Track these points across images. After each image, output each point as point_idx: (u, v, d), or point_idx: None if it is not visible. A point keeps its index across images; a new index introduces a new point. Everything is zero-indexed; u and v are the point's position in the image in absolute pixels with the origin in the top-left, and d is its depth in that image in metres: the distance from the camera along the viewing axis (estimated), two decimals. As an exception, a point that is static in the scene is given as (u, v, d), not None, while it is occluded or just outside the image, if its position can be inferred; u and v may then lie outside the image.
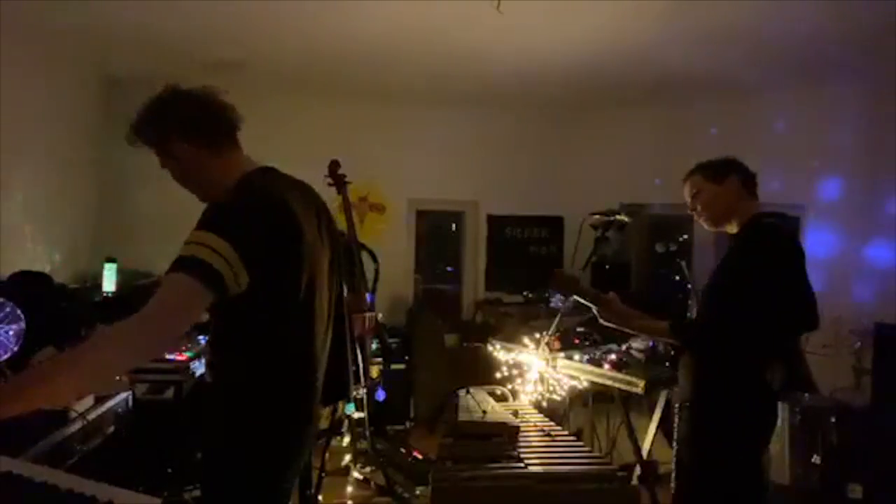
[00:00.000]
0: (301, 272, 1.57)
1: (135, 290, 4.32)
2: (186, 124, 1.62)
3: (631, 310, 2.46)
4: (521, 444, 2.59)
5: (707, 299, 2.26)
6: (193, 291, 1.36)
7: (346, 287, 2.01)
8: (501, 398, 3.24)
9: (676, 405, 2.37)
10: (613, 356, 3.14)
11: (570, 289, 2.60)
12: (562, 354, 3.22)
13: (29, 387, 1.33)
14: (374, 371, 3.93)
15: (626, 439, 3.23)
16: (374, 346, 4.01)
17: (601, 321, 2.50)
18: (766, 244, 2.12)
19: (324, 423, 3.69)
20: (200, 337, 3.59)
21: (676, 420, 2.35)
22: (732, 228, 2.31)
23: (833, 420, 3.50)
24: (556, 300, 3.95)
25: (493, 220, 6.18)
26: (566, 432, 2.87)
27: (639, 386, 2.88)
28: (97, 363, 1.34)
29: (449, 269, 6.53)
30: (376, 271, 4.39)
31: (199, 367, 3.23)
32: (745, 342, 2.10)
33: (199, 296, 1.37)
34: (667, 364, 3.09)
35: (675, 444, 2.35)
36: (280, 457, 1.62)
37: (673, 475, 2.37)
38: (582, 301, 2.54)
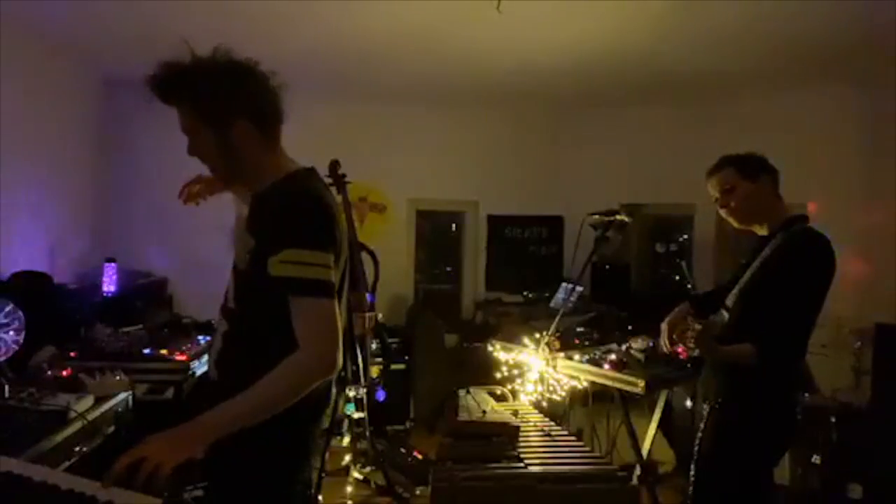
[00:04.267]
0: (341, 272, 1.62)
1: (135, 290, 4.33)
2: (259, 107, 1.58)
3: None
4: (521, 444, 2.60)
5: (752, 305, 2.21)
6: (333, 312, 1.50)
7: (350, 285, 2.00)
8: (501, 398, 3.24)
9: (705, 404, 2.34)
10: (613, 356, 3.13)
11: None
12: (562, 354, 3.22)
13: (228, 416, 1.45)
14: (374, 371, 3.93)
15: (626, 439, 3.23)
16: (374, 346, 4.01)
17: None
18: (814, 253, 2.13)
19: (324, 423, 3.69)
20: (200, 337, 3.59)
21: (703, 420, 2.31)
22: (762, 230, 2.28)
23: (833, 420, 3.50)
24: (558, 300, 3.94)
25: (493, 220, 6.18)
26: (566, 432, 2.87)
27: (639, 386, 2.88)
28: (280, 394, 1.46)
29: (449, 269, 6.53)
30: (376, 271, 4.39)
31: (199, 367, 3.23)
32: (791, 346, 2.13)
33: (336, 310, 1.51)
34: (667, 364, 3.09)
35: (697, 441, 2.31)
36: (302, 446, 1.67)
37: (692, 471, 2.33)
38: None
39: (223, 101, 1.52)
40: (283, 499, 1.63)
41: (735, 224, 2.32)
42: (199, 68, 1.52)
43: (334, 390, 1.80)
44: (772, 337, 2.11)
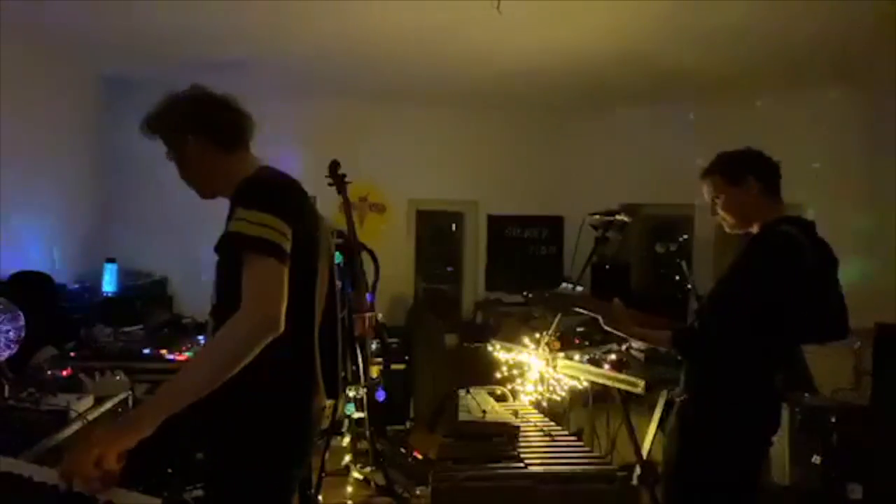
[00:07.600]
0: (312, 256, 1.65)
1: (135, 290, 4.33)
2: (206, 124, 1.70)
3: (634, 315, 2.39)
4: (521, 444, 2.60)
5: (709, 306, 2.16)
6: (278, 272, 1.49)
7: (350, 287, 1.98)
8: (501, 398, 3.24)
9: (678, 400, 2.31)
10: (613, 356, 3.13)
11: (565, 307, 2.58)
12: (562, 354, 3.22)
13: (171, 392, 1.45)
14: (374, 371, 3.93)
15: (626, 439, 3.22)
16: (374, 346, 4.01)
17: (605, 328, 2.44)
18: (771, 254, 2.03)
19: (324, 423, 3.69)
20: (200, 337, 3.59)
21: (673, 416, 2.30)
22: (756, 231, 2.20)
23: (833, 420, 3.50)
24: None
25: (493, 220, 6.18)
26: (566, 432, 2.88)
27: (639, 386, 2.88)
28: (222, 357, 1.44)
29: (449, 269, 6.53)
30: (376, 271, 4.39)
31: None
32: (747, 351, 2.05)
33: (284, 274, 1.49)
34: (667, 364, 3.08)
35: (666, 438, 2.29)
36: (294, 435, 1.66)
37: (661, 471, 2.30)
38: (583, 311, 2.49)
39: (175, 124, 1.70)
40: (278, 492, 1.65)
41: (728, 230, 2.27)
42: (165, 102, 1.72)
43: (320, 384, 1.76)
44: (691, 329, 2.14)
